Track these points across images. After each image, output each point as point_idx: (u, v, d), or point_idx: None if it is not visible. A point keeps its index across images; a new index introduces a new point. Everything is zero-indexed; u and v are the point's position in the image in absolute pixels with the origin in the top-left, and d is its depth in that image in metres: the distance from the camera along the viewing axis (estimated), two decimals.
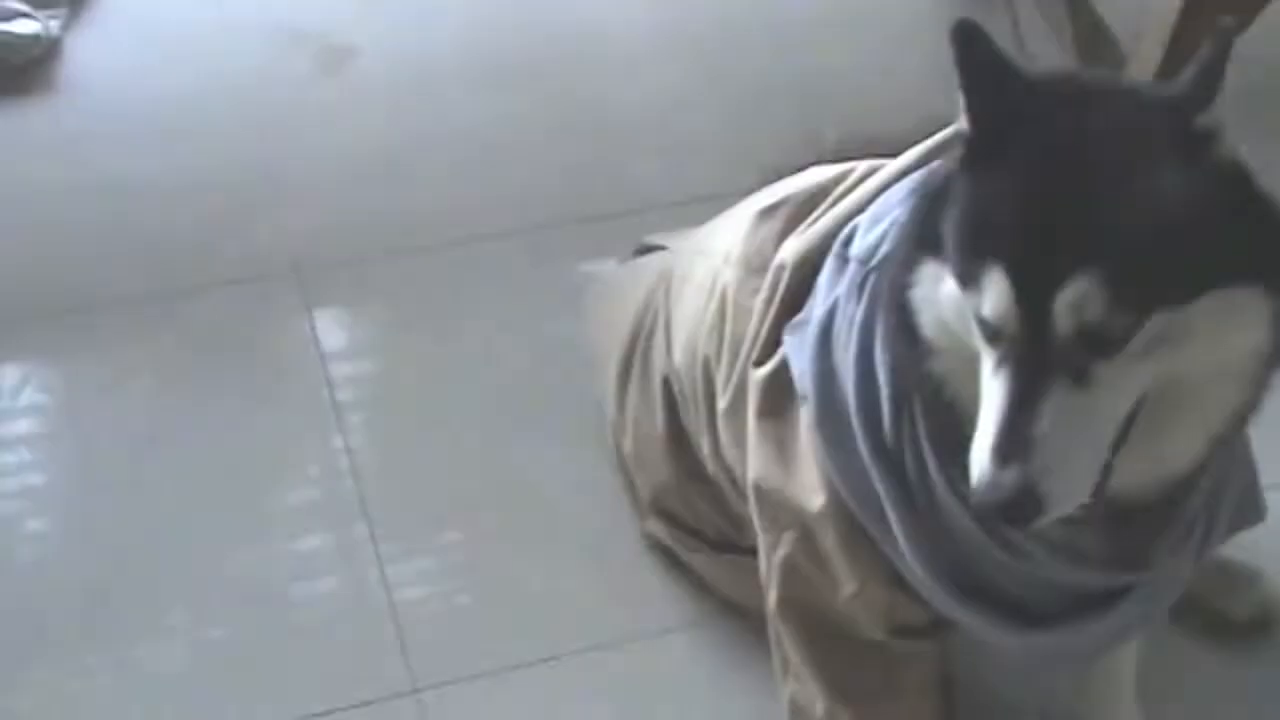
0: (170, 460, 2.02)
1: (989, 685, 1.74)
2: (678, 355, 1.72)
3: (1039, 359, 1.19)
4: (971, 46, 1.23)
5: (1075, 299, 1.17)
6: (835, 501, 1.47)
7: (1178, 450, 1.30)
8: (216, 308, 2.18)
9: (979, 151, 1.24)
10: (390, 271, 2.25)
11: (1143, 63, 2.14)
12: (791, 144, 1.92)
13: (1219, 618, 1.83)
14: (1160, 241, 1.18)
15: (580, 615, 1.86)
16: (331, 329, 2.19)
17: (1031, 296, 1.18)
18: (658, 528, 1.86)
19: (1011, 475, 1.18)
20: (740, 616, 1.82)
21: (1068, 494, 1.21)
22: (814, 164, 1.74)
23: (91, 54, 2.51)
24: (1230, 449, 1.37)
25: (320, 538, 1.96)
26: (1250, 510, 1.54)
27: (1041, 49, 2.33)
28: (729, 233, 1.69)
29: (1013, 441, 1.18)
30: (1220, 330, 1.22)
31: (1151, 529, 1.36)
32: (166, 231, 2.28)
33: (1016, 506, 1.19)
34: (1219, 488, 1.42)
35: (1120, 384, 1.20)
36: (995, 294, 1.20)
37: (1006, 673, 1.72)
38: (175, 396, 2.09)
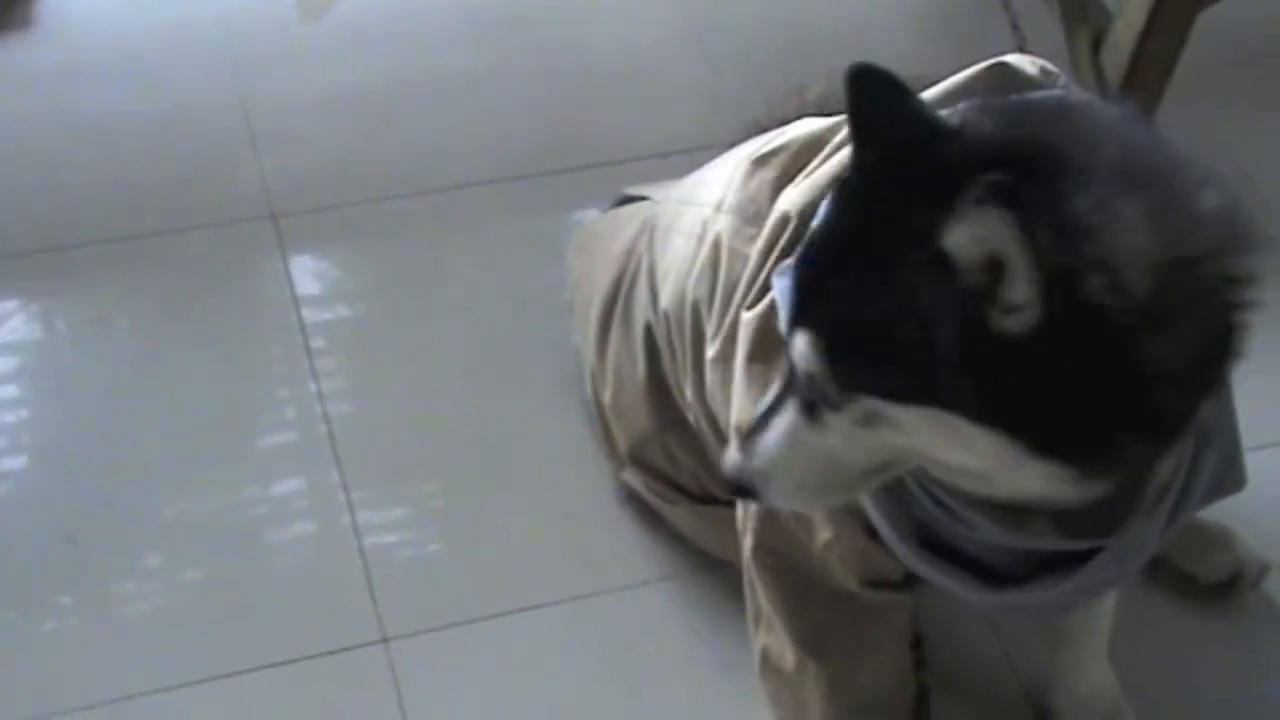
0: (145, 402, 2.01)
1: (960, 642, 1.76)
2: (664, 302, 1.71)
3: (791, 382, 1.27)
4: (863, 94, 1.21)
5: (798, 349, 1.23)
6: None
7: None
8: (193, 250, 2.17)
9: (842, 188, 1.26)
10: (368, 218, 2.23)
11: (1128, 22, 2.13)
12: (775, 96, 1.90)
13: (1189, 578, 1.84)
14: (867, 340, 1.19)
15: (553, 567, 1.86)
16: (307, 274, 2.17)
17: (789, 328, 1.25)
18: (634, 479, 1.86)
19: (736, 461, 1.31)
20: (714, 570, 1.83)
21: (787, 498, 1.33)
22: (797, 116, 1.73)
23: None
24: (1207, 424, 1.35)
25: (294, 483, 1.95)
26: (1229, 479, 1.51)
27: (1027, 5, 2.32)
28: (718, 182, 1.67)
29: (750, 437, 1.31)
30: (950, 444, 1.20)
31: (1113, 502, 1.33)
32: (144, 172, 2.26)
33: (737, 487, 1.33)
34: (1196, 458, 1.40)
35: (849, 437, 1.24)
36: (781, 310, 1.28)
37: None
38: (151, 338, 2.08)
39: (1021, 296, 1.11)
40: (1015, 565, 1.42)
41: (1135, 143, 1.21)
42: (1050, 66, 1.43)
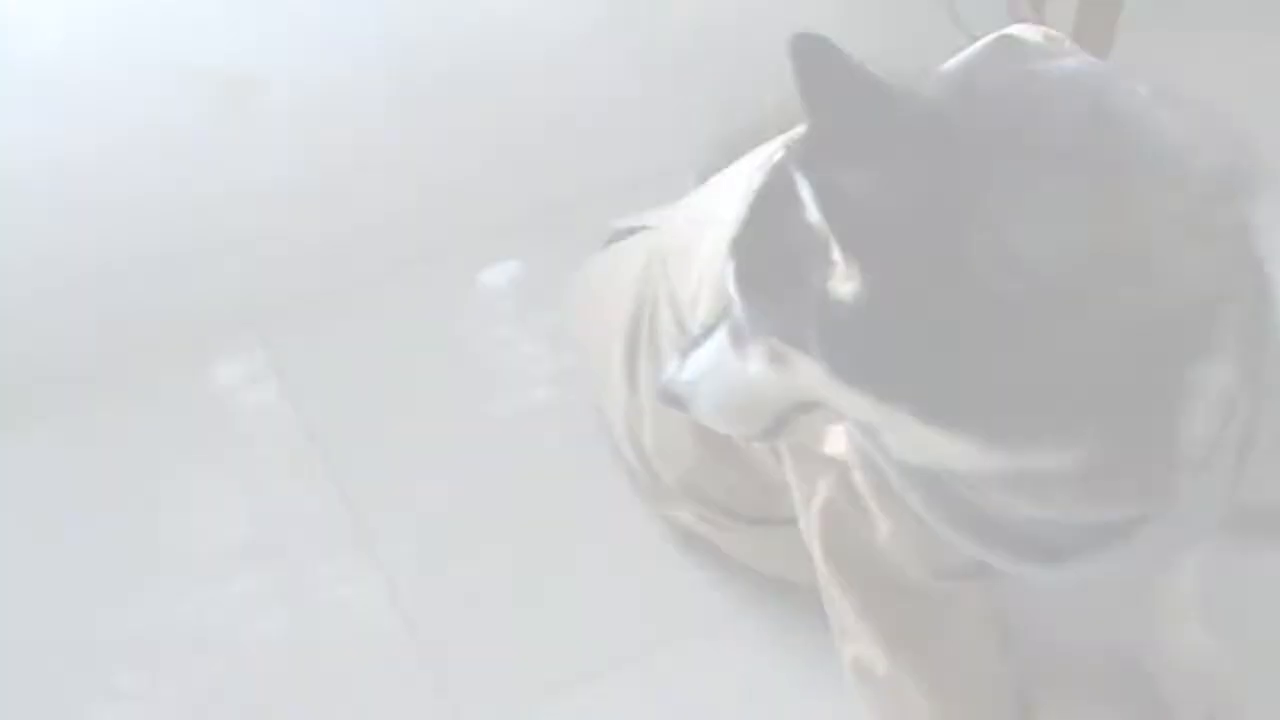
0: (149, 523, 1.96)
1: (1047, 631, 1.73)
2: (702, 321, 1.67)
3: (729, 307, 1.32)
4: (807, 63, 1.20)
5: (726, 274, 1.28)
6: None
7: None
8: (173, 374, 2.09)
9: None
10: (340, 305, 2.16)
11: None
12: (731, 109, 1.87)
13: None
14: (765, 275, 1.24)
15: (616, 624, 1.82)
16: (294, 373, 2.10)
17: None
18: (685, 513, 1.82)
19: (672, 370, 1.38)
20: (778, 599, 1.79)
21: (706, 415, 1.38)
22: (759, 127, 1.69)
23: None
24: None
25: (337, 584, 1.91)
26: None
27: None
28: (733, 198, 1.62)
29: (686, 350, 1.38)
30: (838, 399, 1.23)
31: (1139, 468, 1.27)
32: (95, 302, 2.18)
33: (663, 393, 1.40)
34: (1253, 415, 1.31)
35: (763, 372, 1.28)
36: None
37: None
38: (146, 467, 2.02)
39: (840, 262, 1.14)
40: (1060, 537, 1.37)
41: (1094, 122, 1.17)
42: (1054, 33, 1.40)
